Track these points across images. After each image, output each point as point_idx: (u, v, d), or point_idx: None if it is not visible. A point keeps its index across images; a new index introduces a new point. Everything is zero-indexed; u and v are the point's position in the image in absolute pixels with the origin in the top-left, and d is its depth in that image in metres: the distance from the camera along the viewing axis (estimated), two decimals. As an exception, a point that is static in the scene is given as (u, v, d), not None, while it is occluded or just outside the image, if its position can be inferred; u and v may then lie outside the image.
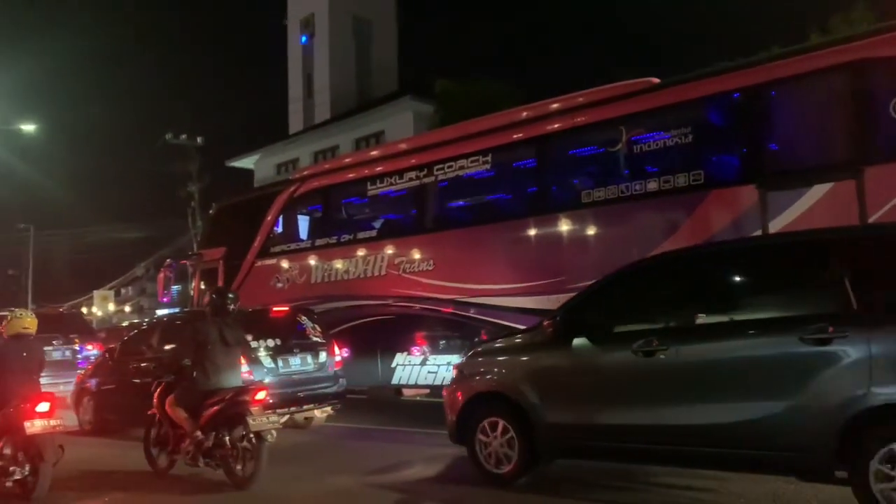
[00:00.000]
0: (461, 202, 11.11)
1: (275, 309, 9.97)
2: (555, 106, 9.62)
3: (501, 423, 5.88)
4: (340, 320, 11.09)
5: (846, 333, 4.37)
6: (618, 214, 8.62)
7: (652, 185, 8.35)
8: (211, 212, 16.32)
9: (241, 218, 13.86)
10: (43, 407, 6.16)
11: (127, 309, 48.34)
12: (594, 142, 9.25)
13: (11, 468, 6.18)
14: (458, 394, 6.29)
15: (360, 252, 11.27)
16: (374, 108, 33.12)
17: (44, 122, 32.89)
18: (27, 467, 6.16)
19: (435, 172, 10.52)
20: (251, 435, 6.31)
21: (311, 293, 11.76)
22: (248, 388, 6.70)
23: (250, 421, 6.30)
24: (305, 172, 13.58)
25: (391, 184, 11.18)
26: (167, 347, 9.59)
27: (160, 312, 19.11)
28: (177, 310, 14.44)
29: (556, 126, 9.39)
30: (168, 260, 16.36)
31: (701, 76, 8.59)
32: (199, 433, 6.48)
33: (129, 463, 7.52)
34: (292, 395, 8.87)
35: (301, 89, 39.85)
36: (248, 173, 39.09)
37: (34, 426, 6.06)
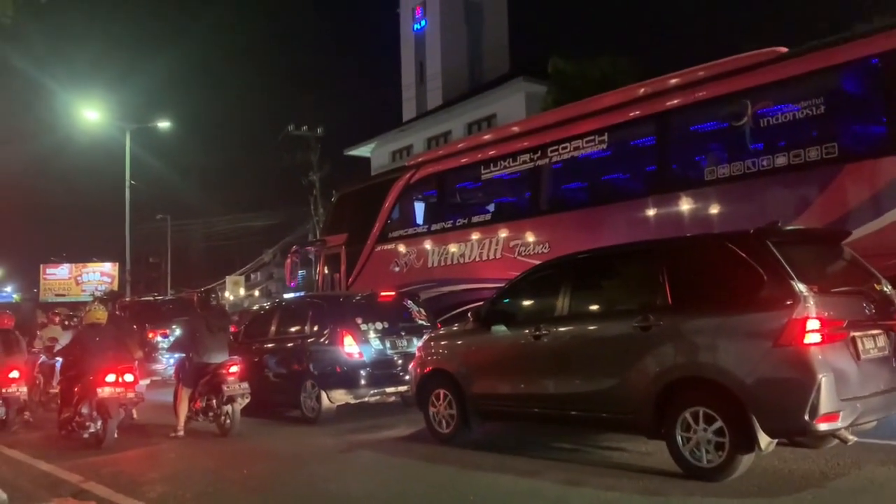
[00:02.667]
0: (577, 183, 10.97)
1: (382, 294, 10.30)
2: (674, 81, 9.29)
3: (442, 393, 7.37)
4: (456, 303, 11.23)
5: (661, 322, 5.49)
6: (744, 191, 8.25)
7: (781, 160, 7.94)
8: (332, 199, 16.92)
9: (361, 205, 14.30)
10: (110, 377, 8.26)
11: (256, 293, 50.92)
12: (717, 117, 8.87)
13: (87, 423, 8.34)
14: (418, 370, 7.84)
15: (475, 236, 11.36)
16: (485, 91, 33.10)
17: (178, 119, 35.05)
18: (99, 423, 8.30)
19: (549, 154, 10.43)
20: (226, 398, 8.53)
21: (428, 277, 11.99)
22: (226, 363, 8.73)
23: (224, 388, 8.54)
24: (420, 159, 13.81)
25: (505, 167, 11.18)
26: (289, 329, 10.20)
27: (287, 296, 20.01)
28: (301, 294, 15.11)
29: (676, 102, 9.07)
30: (294, 246, 17.12)
31: (834, 43, 8.05)
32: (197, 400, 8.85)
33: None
34: (395, 375, 9.28)
35: (414, 77, 40.39)
36: (365, 161, 40.15)
37: (104, 392, 8.20)
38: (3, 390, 10.03)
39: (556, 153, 10.33)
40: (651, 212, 9.15)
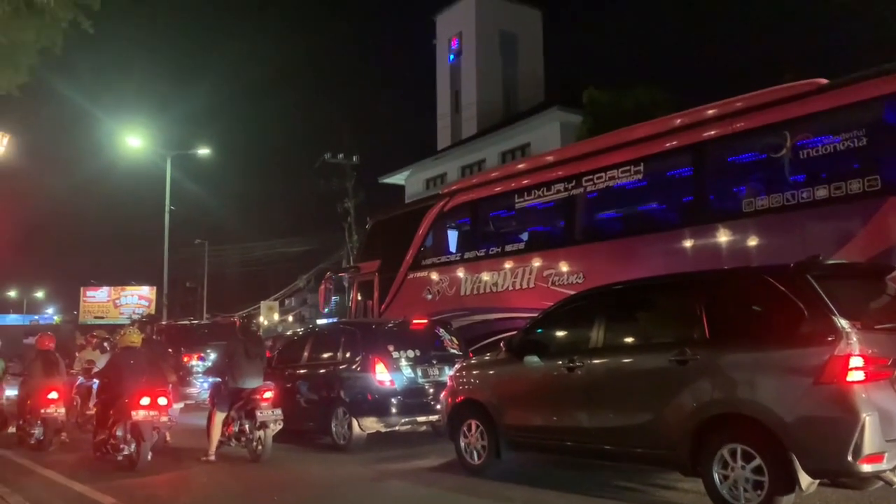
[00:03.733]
0: (612, 213, 10.89)
1: (415, 321, 10.29)
2: (712, 112, 9.21)
3: (474, 424, 7.33)
4: (489, 332, 11.17)
5: (698, 356, 5.38)
6: (783, 224, 8.11)
7: (821, 193, 7.80)
8: (367, 227, 17.02)
9: (395, 232, 14.37)
10: (145, 401, 8.37)
11: (290, 318, 51.26)
12: (756, 148, 8.77)
13: (122, 445, 8.42)
14: (449, 399, 7.79)
15: (508, 264, 11.32)
16: (520, 120, 33.19)
17: (217, 146, 35.79)
18: (133, 446, 8.38)
19: (584, 184, 10.39)
20: (258, 424, 8.56)
21: (460, 305, 11.95)
22: (260, 389, 8.81)
23: (258, 414, 8.56)
24: (454, 187, 13.85)
25: (539, 196, 11.16)
26: (322, 355, 10.24)
27: (320, 322, 20.09)
28: (333, 320, 15.19)
29: (714, 132, 9.00)
30: (328, 273, 17.25)
31: (875, 74, 7.92)
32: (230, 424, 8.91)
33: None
34: (426, 403, 9.23)
35: (449, 106, 40.70)
36: (399, 189, 40.42)
37: (138, 415, 8.31)
38: (42, 411, 10.20)
39: (592, 183, 10.29)
40: (687, 243, 9.03)
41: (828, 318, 4.87)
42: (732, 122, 8.81)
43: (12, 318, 53.04)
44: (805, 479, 4.84)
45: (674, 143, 9.48)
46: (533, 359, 6.81)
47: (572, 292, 10.13)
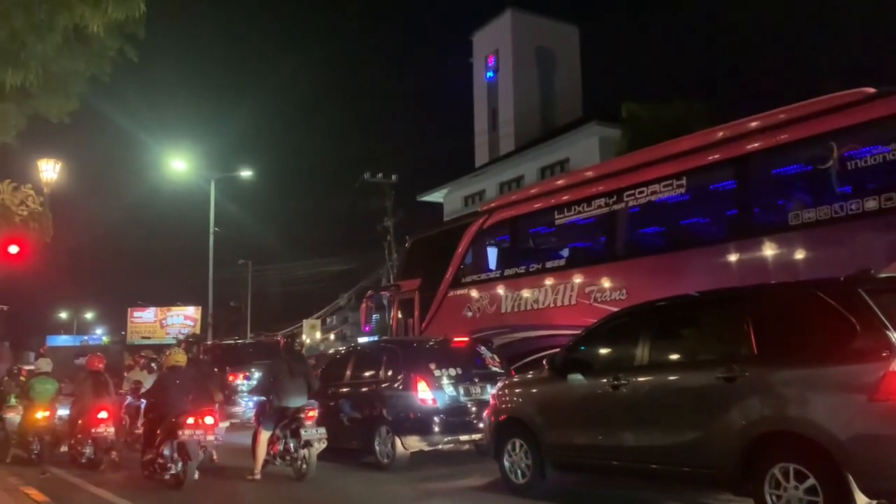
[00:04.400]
0: (654, 228, 10.77)
1: (456, 339, 10.26)
2: (755, 124, 9.08)
3: (518, 443, 7.28)
4: (530, 350, 11.09)
5: (746, 373, 5.27)
6: (832, 237, 7.92)
7: (871, 204, 7.60)
8: (406, 245, 17.11)
9: (434, 250, 14.40)
10: (191, 420, 8.43)
11: (332, 337, 51.64)
12: (802, 160, 8.61)
13: (169, 465, 8.51)
14: (492, 418, 7.77)
15: (549, 281, 11.25)
16: (558, 136, 33.14)
17: (258, 167, 36.38)
18: (179, 464, 8.44)
19: (626, 198, 10.30)
20: (303, 442, 8.55)
21: (501, 322, 11.89)
22: (304, 408, 8.79)
23: (302, 432, 8.56)
24: (493, 204, 13.85)
25: (580, 212, 11.08)
26: (364, 374, 10.29)
27: (361, 340, 20.21)
28: (374, 338, 15.26)
29: (758, 145, 8.86)
30: (369, 291, 17.35)
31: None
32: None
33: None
34: (468, 422, 9.17)
35: (486, 123, 40.83)
36: (437, 206, 40.58)
37: (184, 434, 8.36)
38: (93, 430, 10.41)
39: (633, 198, 10.19)
40: (732, 258, 8.88)
41: (882, 333, 4.73)
42: (777, 134, 8.67)
43: (63, 339, 54.35)
44: (861, 499, 4.69)
45: (716, 156, 9.36)
46: (577, 377, 6.76)
47: (615, 309, 10.03)
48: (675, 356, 6.33)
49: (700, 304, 6.44)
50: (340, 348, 19.57)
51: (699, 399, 5.64)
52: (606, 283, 10.29)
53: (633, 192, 10.21)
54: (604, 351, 7.01)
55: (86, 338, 55.12)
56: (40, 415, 11.49)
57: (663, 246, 10.40)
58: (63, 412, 11.94)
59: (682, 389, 5.88)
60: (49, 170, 8.77)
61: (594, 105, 35.40)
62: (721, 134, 9.50)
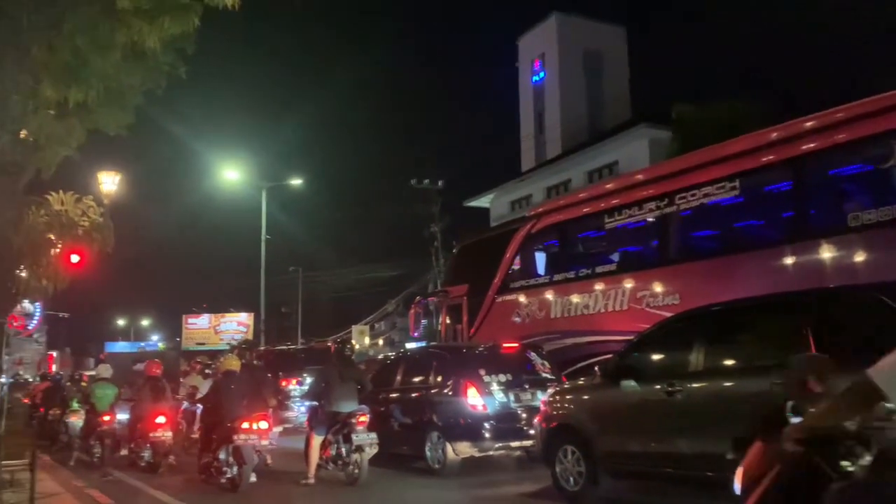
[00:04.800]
0: (708, 231, 10.57)
1: (505, 345, 10.22)
2: (811, 124, 8.84)
3: (570, 449, 7.19)
4: (581, 356, 10.98)
5: None
6: (893, 238, 7.66)
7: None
8: (454, 251, 17.14)
9: (482, 255, 14.39)
10: (246, 425, 8.63)
11: (380, 342, 52.01)
12: (861, 159, 8.36)
13: (225, 468, 8.74)
14: (543, 424, 7.73)
15: (599, 286, 11.13)
16: (606, 139, 32.84)
17: (308, 175, 36.85)
18: (235, 468, 8.64)
19: (678, 201, 10.13)
20: (354, 447, 8.62)
21: (551, 328, 11.81)
22: (355, 413, 8.85)
23: (354, 437, 8.62)
24: (541, 209, 13.77)
25: (630, 215, 10.94)
26: (413, 379, 10.33)
27: (409, 346, 20.30)
28: (423, 344, 15.32)
29: (814, 145, 8.62)
30: (417, 297, 17.45)
31: None
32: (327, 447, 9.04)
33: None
34: (519, 428, 9.10)
35: (532, 127, 40.72)
36: (484, 212, 40.56)
37: (239, 438, 8.56)
38: (151, 435, 10.68)
39: (686, 200, 10.02)
40: (788, 261, 8.65)
41: None
42: (834, 134, 8.43)
43: (121, 346, 56.00)
44: None
45: (771, 157, 9.13)
46: (630, 383, 6.68)
47: (668, 314, 9.88)
48: (730, 362, 6.22)
49: (756, 309, 6.32)
50: (390, 354, 19.69)
51: (755, 406, 5.49)
52: (659, 288, 10.14)
53: (685, 194, 10.04)
54: (657, 357, 6.93)
55: (142, 344, 56.65)
56: (103, 419, 11.83)
57: (717, 249, 10.20)
58: (123, 417, 12.28)
59: (737, 396, 5.76)
60: (109, 182, 9.07)
61: (643, 107, 34.99)
62: (776, 135, 9.27)
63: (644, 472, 6.67)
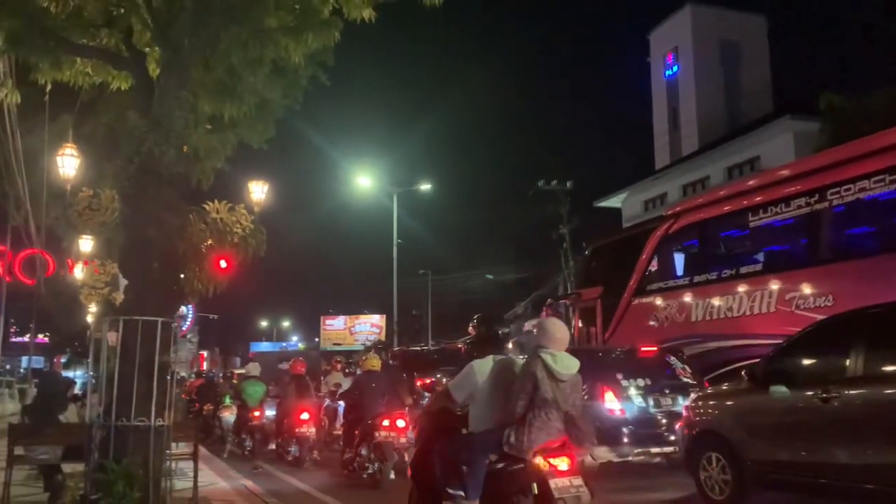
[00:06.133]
0: (864, 228, 9.85)
1: (643, 349, 9.94)
2: None
3: (714, 457, 6.89)
4: (725, 361, 10.50)
5: None
6: None
7: None
8: (585, 252, 16.89)
9: (616, 257, 14.10)
10: (385, 423, 8.87)
11: (509, 345, 52.10)
12: None
13: (366, 464, 8.99)
14: (686, 431, 7.48)
15: (744, 288, 10.61)
16: (746, 133, 31.28)
17: (436, 180, 37.58)
18: (376, 465, 8.85)
19: (830, 197, 9.50)
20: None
21: (691, 332, 11.38)
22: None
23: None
24: (679, 208, 13.33)
25: (777, 213, 10.38)
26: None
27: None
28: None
29: None
30: (549, 300, 17.32)
31: None
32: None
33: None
34: (659, 434, 8.83)
35: (666, 123, 39.45)
36: (614, 212, 39.67)
37: (380, 436, 8.83)
38: (297, 430, 11.23)
39: (839, 196, 9.38)
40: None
41: None
42: None
43: (264, 346, 59.25)
44: None
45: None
46: (780, 388, 6.34)
47: (820, 317, 9.29)
48: (893, 367, 5.75)
49: None
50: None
51: None
52: (810, 289, 9.54)
53: (838, 189, 9.41)
54: (811, 361, 6.53)
55: (284, 344, 59.73)
56: (253, 414, 12.57)
57: (874, 248, 9.48)
58: (270, 412, 12.99)
59: None
60: (258, 190, 9.62)
61: (786, 99, 33.02)
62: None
63: (796, 482, 6.29)
